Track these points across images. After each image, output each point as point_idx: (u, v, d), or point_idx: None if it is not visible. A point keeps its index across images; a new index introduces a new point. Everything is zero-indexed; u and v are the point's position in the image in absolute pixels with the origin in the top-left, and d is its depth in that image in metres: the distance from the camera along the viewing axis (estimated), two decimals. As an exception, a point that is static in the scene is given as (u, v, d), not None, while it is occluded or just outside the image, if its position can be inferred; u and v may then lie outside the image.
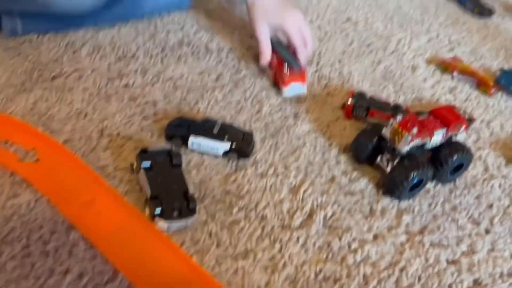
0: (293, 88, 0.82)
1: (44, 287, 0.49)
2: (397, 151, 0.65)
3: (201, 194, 0.62)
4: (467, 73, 0.97)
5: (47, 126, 0.67)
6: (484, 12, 1.27)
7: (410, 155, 0.66)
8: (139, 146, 0.67)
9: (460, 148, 0.69)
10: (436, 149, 0.69)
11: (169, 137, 0.68)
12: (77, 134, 0.67)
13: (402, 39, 1.08)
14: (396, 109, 0.80)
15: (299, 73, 0.82)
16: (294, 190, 0.65)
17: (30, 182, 0.58)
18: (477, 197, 0.71)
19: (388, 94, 0.89)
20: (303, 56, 0.85)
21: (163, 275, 0.51)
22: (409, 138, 0.63)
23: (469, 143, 0.81)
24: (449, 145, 0.69)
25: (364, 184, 0.69)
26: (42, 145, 0.63)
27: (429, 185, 0.71)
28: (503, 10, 1.34)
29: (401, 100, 0.88)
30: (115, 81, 0.78)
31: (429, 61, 1.02)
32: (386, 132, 0.66)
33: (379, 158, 0.69)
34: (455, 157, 0.68)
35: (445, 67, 0.99)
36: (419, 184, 0.66)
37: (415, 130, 0.63)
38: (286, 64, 0.81)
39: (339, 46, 1.01)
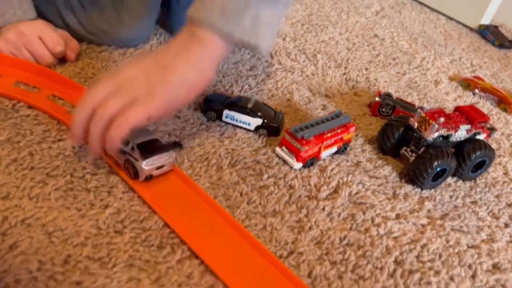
0: None
1: (85, 216, 0.51)
2: (423, 139, 0.68)
3: (233, 160, 0.65)
4: (488, 91, 1.00)
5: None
6: (504, 43, 1.32)
7: (434, 145, 0.69)
8: (179, 116, 0.71)
9: (483, 145, 0.71)
10: (460, 145, 0.72)
11: (205, 110, 0.72)
12: (120, 97, 0.71)
13: (426, 57, 1.13)
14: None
15: None
16: (321, 168, 0.68)
17: (75, 131, 0.61)
18: (497, 196, 0.72)
19: (413, 100, 0.93)
20: None
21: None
22: (436, 126, 0.66)
23: (490, 150, 0.83)
24: (473, 142, 0.72)
25: (388, 171, 0.71)
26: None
27: (450, 180, 0.73)
28: (524, 45, 1.39)
29: (425, 106, 0.92)
30: (157, 59, 0.83)
31: (451, 78, 1.06)
32: (413, 121, 0.69)
33: (403, 148, 0.71)
34: (478, 153, 0.70)
35: (467, 84, 1.02)
36: (442, 174, 0.68)
37: (441, 119, 0.66)
38: None
39: (366, 56, 1.06)
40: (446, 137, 0.69)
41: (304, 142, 0.64)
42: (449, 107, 0.95)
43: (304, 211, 0.60)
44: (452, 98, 0.98)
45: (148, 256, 0.49)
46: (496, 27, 1.39)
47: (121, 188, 0.56)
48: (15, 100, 0.64)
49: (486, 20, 1.41)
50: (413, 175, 0.68)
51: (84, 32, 0.79)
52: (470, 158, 0.70)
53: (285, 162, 0.67)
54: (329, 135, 0.67)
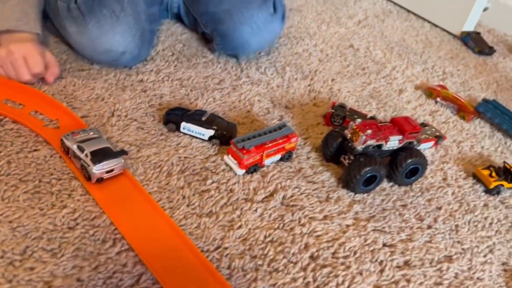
0: None
1: (45, 215, 0.62)
2: (355, 149, 0.76)
3: (183, 167, 0.75)
4: (449, 100, 1.06)
5: (70, 104, 0.83)
6: (484, 50, 1.36)
7: (367, 154, 0.76)
8: (142, 127, 0.82)
9: (415, 154, 0.78)
10: (395, 153, 0.79)
11: (166, 122, 0.82)
12: (93, 112, 0.82)
13: (397, 67, 1.19)
14: (371, 119, 0.90)
15: None
16: (263, 173, 0.77)
17: (49, 142, 0.73)
18: (429, 200, 0.79)
19: (370, 109, 1.00)
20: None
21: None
22: (364, 137, 0.73)
23: (436, 157, 0.90)
24: (406, 151, 0.79)
25: (326, 176, 0.79)
26: (64, 117, 0.78)
27: (386, 185, 0.80)
28: (507, 50, 1.43)
29: (380, 116, 0.99)
30: (132, 76, 0.94)
31: (417, 87, 1.12)
32: (347, 132, 0.77)
33: (342, 156, 0.79)
34: (409, 161, 0.77)
35: (430, 93, 1.08)
36: (374, 181, 0.76)
37: (369, 131, 0.74)
38: None
39: (336, 67, 1.13)
40: (378, 147, 0.77)
41: (245, 151, 0.73)
42: (406, 115, 1.01)
43: (238, 212, 0.69)
44: (412, 106, 1.05)
45: (92, 248, 0.60)
46: (478, 33, 1.43)
47: (79, 191, 0.67)
48: (1, 116, 0.77)
49: (469, 27, 1.44)
50: (346, 180, 0.76)
51: (82, 43, 0.89)
52: (402, 165, 0.78)
53: (231, 168, 0.76)
54: (270, 145, 0.76)
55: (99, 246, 0.60)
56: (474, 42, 1.38)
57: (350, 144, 0.77)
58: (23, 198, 0.64)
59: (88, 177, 0.66)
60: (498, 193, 0.83)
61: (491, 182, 0.82)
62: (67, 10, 0.88)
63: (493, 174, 0.84)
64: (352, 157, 0.77)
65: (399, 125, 0.78)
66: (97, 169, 0.66)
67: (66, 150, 0.70)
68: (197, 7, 1.06)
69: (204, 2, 1.03)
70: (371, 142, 0.75)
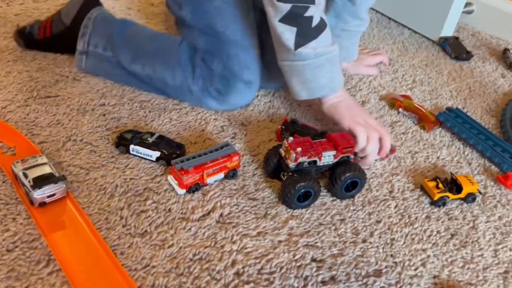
0: None
1: (-13, 238, 0.68)
2: (288, 166, 0.78)
3: (127, 188, 0.79)
4: (411, 110, 1.06)
5: (31, 130, 0.89)
6: (461, 56, 1.35)
7: (301, 170, 0.78)
8: (95, 150, 0.87)
9: (353, 168, 0.80)
10: (333, 168, 0.81)
11: (117, 145, 0.86)
12: (51, 138, 0.88)
13: (364, 77, 1.20)
14: (321, 135, 0.92)
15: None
16: (204, 192, 0.80)
17: (3, 169, 0.79)
18: (369, 213, 0.80)
19: (327, 124, 1.01)
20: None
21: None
22: (294, 156, 0.76)
23: (387, 169, 0.91)
24: (344, 165, 0.80)
25: (268, 193, 0.82)
26: (21, 144, 0.84)
27: (327, 199, 0.82)
28: (489, 54, 1.41)
29: (336, 129, 1.00)
30: (95, 100, 0.99)
31: (382, 98, 1.13)
32: (282, 151, 0.80)
33: (281, 173, 0.82)
34: (347, 175, 0.79)
35: (393, 103, 1.09)
36: (308, 197, 0.78)
37: (299, 149, 0.76)
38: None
39: (301, 81, 1.15)
40: (314, 162, 0.79)
41: (183, 172, 0.77)
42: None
43: (171, 231, 0.72)
44: (372, 117, 1.05)
45: (26, 269, 0.65)
46: (456, 38, 1.41)
47: (23, 215, 0.72)
48: (-36, 145, 0.83)
49: (447, 32, 1.43)
50: (282, 197, 0.78)
51: (221, 109, 0.99)
52: (340, 179, 0.79)
53: (173, 188, 0.80)
54: (210, 164, 0.79)
55: (33, 267, 0.65)
56: (451, 47, 1.37)
57: (284, 161, 0.79)
58: (-30, 223, 0.70)
59: (30, 202, 0.72)
60: (444, 204, 0.83)
61: (435, 194, 0.82)
62: (203, 91, 0.96)
63: (440, 185, 0.84)
64: (288, 174, 0.79)
65: (333, 141, 0.80)
66: (38, 194, 0.71)
67: (15, 177, 0.75)
68: None
69: None
70: (303, 159, 0.77)
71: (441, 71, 1.28)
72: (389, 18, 1.56)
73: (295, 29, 0.81)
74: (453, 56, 1.35)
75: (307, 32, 0.82)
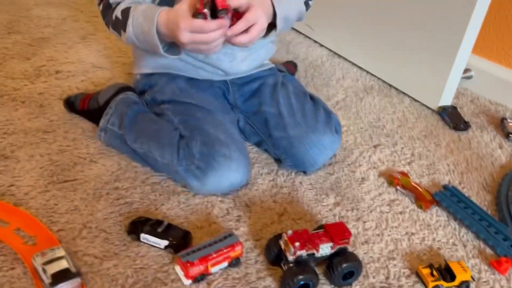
0: None
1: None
2: (287, 258, 0.83)
3: (137, 278, 0.85)
4: (408, 188, 1.11)
5: (50, 218, 0.96)
6: (459, 126, 1.40)
7: (301, 261, 0.83)
8: (109, 238, 0.93)
9: (350, 258, 0.85)
10: (331, 258, 0.86)
11: (129, 233, 0.93)
12: (68, 225, 0.95)
13: (364, 151, 1.26)
14: (318, 227, 0.94)
15: None
16: (209, 281, 0.85)
17: (24, 261, 0.86)
18: (366, 302, 0.84)
19: (327, 204, 1.07)
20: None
21: None
22: (292, 250, 0.81)
23: (384, 252, 0.95)
24: (341, 255, 0.85)
25: (269, 281, 0.87)
26: (41, 233, 0.91)
27: (327, 287, 0.86)
28: (487, 122, 1.46)
29: (336, 210, 1.05)
30: (109, 184, 1.06)
31: (381, 174, 1.18)
32: (281, 243, 0.85)
33: (282, 262, 0.87)
34: (344, 265, 0.84)
35: (391, 180, 1.14)
36: (308, 287, 0.83)
37: (297, 244, 0.81)
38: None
39: (303, 158, 1.21)
40: (312, 254, 0.84)
41: (189, 264, 0.83)
42: (363, 207, 1.07)
43: (177, 324, 0.78)
44: (371, 196, 1.10)
45: None
46: (454, 108, 1.47)
47: (41, 309, 0.78)
48: (-11, 235, 0.91)
49: (446, 101, 1.49)
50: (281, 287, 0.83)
51: (205, 190, 1.03)
52: (338, 269, 0.84)
53: (180, 278, 0.85)
54: (214, 255, 0.85)
55: None
56: (450, 117, 1.43)
57: (285, 253, 0.84)
58: (-7, 315, 0.76)
59: (49, 298, 0.78)
60: (438, 292, 0.87)
61: (429, 282, 0.86)
62: (186, 171, 1.01)
63: (434, 272, 0.88)
64: (288, 265, 0.84)
65: (330, 232, 0.85)
66: None
67: (35, 270, 0.82)
68: (263, 130, 1.17)
69: (270, 126, 1.14)
70: (301, 252, 0.82)
71: (440, 143, 1.33)
72: (390, 86, 1.63)
73: None
74: (451, 126, 1.40)
75: None
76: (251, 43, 0.92)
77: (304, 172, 1.15)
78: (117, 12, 0.99)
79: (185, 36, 0.87)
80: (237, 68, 1.16)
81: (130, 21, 0.96)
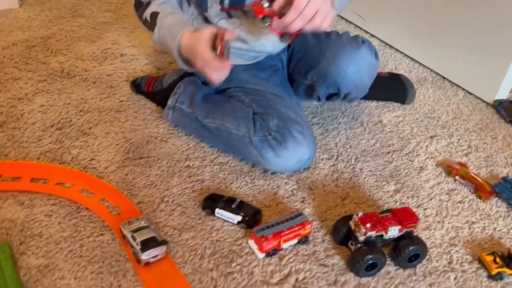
0: None
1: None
2: (357, 238, 0.88)
3: (214, 250, 0.91)
4: (467, 179, 1.14)
5: (130, 191, 1.03)
6: (516, 121, 1.40)
7: (369, 242, 0.88)
8: (185, 212, 1.00)
9: (416, 242, 0.89)
10: (397, 240, 0.90)
11: (203, 208, 0.99)
12: (147, 198, 1.02)
13: (421, 142, 1.28)
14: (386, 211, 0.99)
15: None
16: (281, 256, 0.91)
17: (112, 228, 0.93)
18: (430, 285, 0.88)
19: (388, 191, 1.11)
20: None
21: None
22: (363, 230, 0.85)
23: (446, 239, 0.99)
24: (408, 238, 0.89)
25: (337, 259, 0.92)
26: (124, 204, 0.99)
27: (392, 268, 0.91)
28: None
29: (397, 197, 1.09)
30: (181, 162, 1.13)
31: (439, 164, 1.21)
32: (351, 223, 0.89)
33: (349, 242, 0.91)
34: (411, 248, 0.88)
35: (449, 171, 1.17)
36: (375, 267, 0.87)
37: (368, 225, 0.85)
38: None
39: (362, 145, 1.25)
40: (380, 236, 0.88)
41: (264, 239, 0.88)
42: (423, 195, 1.10)
43: (254, 293, 0.84)
44: (430, 185, 1.13)
45: (138, 322, 0.77)
46: (511, 102, 1.47)
47: (131, 272, 0.85)
48: (78, 204, 0.98)
49: (503, 95, 1.49)
50: (350, 266, 0.88)
51: (278, 163, 1.07)
52: (405, 251, 0.88)
53: (253, 251, 0.91)
54: (287, 232, 0.90)
55: (143, 321, 0.77)
56: (506, 111, 1.43)
57: (353, 234, 0.89)
58: (90, 278, 0.84)
59: (137, 261, 0.85)
60: (501, 279, 0.90)
61: (493, 268, 0.90)
62: (262, 141, 1.06)
63: (497, 259, 0.91)
64: (357, 245, 0.89)
65: (399, 216, 0.89)
66: (145, 256, 0.84)
67: (123, 236, 0.89)
68: (298, 71, 1.24)
69: (303, 62, 1.22)
70: (371, 233, 0.86)
71: (496, 136, 1.34)
72: (444, 78, 1.64)
73: None
74: (507, 120, 1.41)
75: None
76: (325, 24, 0.93)
77: (343, 98, 1.18)
78: (147, 14, 1.10)
79: (200, 65, 1.00)
80: (278, 46, 1.21)
81: (156, 30, 1.09)
